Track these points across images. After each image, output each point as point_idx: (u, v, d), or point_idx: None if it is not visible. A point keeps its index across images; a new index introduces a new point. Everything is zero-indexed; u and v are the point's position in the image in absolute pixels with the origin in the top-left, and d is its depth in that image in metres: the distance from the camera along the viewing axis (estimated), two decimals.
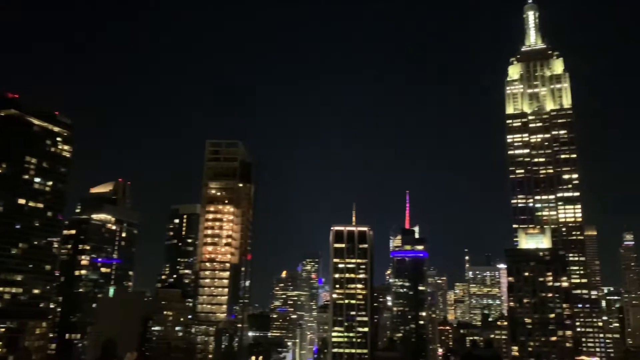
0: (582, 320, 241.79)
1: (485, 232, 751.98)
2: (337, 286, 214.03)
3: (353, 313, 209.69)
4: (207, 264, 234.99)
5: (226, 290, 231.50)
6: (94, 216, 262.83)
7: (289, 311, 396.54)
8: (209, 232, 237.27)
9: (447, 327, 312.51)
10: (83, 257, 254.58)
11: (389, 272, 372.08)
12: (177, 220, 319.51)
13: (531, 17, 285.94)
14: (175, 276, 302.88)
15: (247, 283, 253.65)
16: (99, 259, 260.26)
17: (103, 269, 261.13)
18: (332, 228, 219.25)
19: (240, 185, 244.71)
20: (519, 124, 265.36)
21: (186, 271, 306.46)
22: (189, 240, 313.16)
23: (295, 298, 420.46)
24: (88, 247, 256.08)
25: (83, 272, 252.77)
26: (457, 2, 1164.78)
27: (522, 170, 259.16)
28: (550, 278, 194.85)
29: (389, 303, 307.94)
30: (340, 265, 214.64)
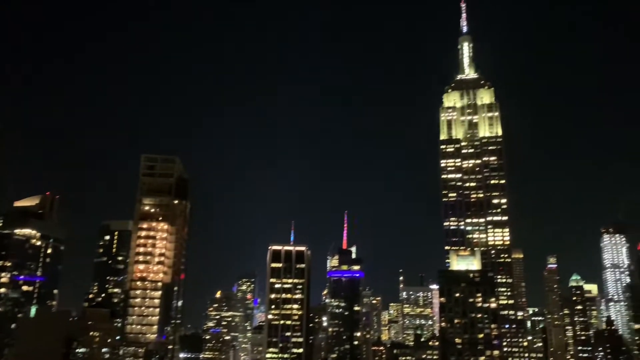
0: (508, 340, 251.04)
1: (421, 253, 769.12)
2: (273, 307, 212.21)
3: (288, 334, 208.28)
4: (138, 283, 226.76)
5: (157, 310, 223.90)
6: (17, 231, 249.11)
7: (222, 332, 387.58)
8: (141, 249, 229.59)
9: (381, 348, 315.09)
10: (3, 274, 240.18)
11: (325, 292, 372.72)
12: (107, 237, 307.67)
13: (466, 48, 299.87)
14: (103, 295, 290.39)
15: (180, 303, 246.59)
16: (21, 277, 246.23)
17: (25, 287, 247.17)
18: (269, 247, 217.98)
19: (176, 202, 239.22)
20: (453, 149, 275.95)
21: (116, 290, 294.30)
22: (120, 258, 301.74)
23: (230, 319, 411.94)
24: (9, 264, 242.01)
25: (2, 290, 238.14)
26: (398, 30, 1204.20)
27: (455, 194, 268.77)
28: (480, 299, 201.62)
29: (325, 323, 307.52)
30: (277, 286, 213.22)
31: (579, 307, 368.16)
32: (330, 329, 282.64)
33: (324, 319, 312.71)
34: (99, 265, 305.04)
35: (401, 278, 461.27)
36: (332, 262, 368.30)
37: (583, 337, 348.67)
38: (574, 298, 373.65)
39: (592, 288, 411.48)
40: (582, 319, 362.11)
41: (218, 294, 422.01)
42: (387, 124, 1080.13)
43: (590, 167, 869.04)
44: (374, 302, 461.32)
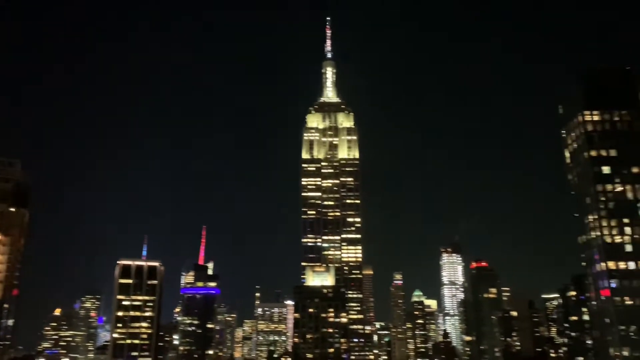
0: (357, 353, 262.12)
1: (280, 270, 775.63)
2: (120, 325, 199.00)
3: (135, 354, 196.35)
4: None
5: None
6: None
7: (60, 353, 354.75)
8: None
9: None
10: None
11: (178, 309, 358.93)
12: None
13: (329, 72, 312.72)
14: None
15: (11, 322, 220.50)
16: None
17: None
18: (118, 262, 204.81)
19: (13, 210, 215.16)
20: (314, 168, 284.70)
21: None
22: None
23: (70, 338, 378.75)
24: None
25: None
26: (265, 53, 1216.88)
27: (314, 212, 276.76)
28: (332, 314, 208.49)
29: (176, 342, 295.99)
30: (125, 303, 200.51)
31: (420, 320, 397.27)
32: (181, 348, 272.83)
33: (175, 337, 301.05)
34: None
35: (258, 294, 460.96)
36: (187, 278, 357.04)
37: (423, 349, 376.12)
38: (416, 312, 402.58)
39: (432, 303, 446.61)
40: (422, 332, 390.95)
41: (57, 312, 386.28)
42: (258, 141, 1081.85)
43: (435, 189, 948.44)
44: (229, 319, 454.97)
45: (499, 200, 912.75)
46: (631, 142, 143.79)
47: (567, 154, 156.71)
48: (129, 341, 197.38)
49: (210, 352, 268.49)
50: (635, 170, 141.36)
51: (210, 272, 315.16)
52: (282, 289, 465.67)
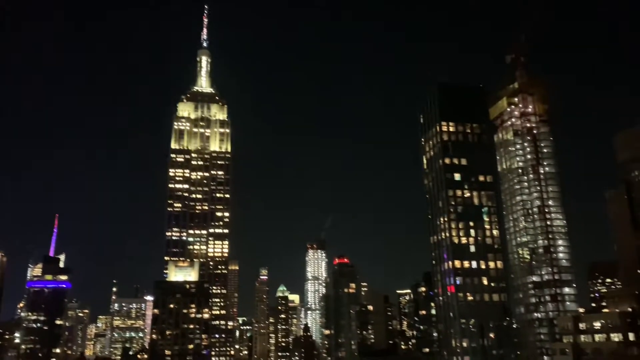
0: (217, 349, 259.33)
1: (140, 264, 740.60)
2: None
3: None
4: None
5: None
6: None
7: None
8: None
9: None
10: None
11: (21, 304, 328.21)
12: None
13: (204, 61, 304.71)
14: None
15: None
16: None
17: None
18: None
19: None
20: (183, 159, 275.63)
21: None
22: None
23: None
24: None
25: None
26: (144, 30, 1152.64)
27: (180, 205, 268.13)
28: (194, 310, 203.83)
29: (17, 340, 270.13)
30: None
31: (283, 315, 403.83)
32: (23, 346, 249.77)
33: (17, 335, 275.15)
34: None
35: (114, 289, 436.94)
36: (35, 271, 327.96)
37: (284, 343, 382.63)
38: (279, 307, 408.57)
39: (295, 298, 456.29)
40: (284, 326, 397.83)
41: None
42: (128, 129, 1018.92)
43: (304, 187, 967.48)
44: (81, 315, 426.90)
45: (365, 200, 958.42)
46: (480, 152, 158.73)
47: (424, 160, 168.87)
48: None
49: (58, 350, 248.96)
50: (481, 178, 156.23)
51: (62, 264, 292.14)
52: (142, 284, 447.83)
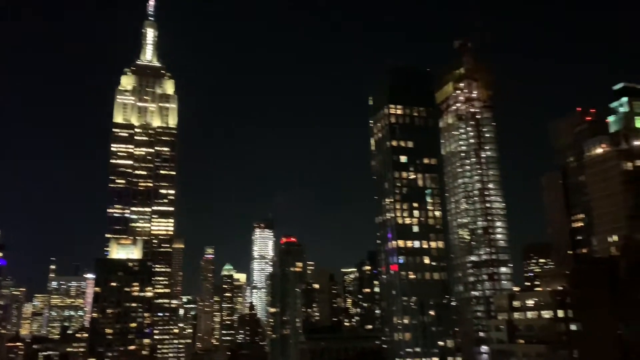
0: (160, 328, 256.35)
1: (80, 241, 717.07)
2: None
3: None
4: None
5: None
6: None
7: None
8: None
9: (18, 344, 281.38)
10: None
11: None
12: None
13: (150, 34, 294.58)
14: None
15: None
16: None
17: None
18: None
19: None
20: (126, 134, 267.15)
21: None
22: None
23: None
24: None
25: None
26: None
27: (123, 181, 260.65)
28: (137, 288, 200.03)
29: None
30: None
31: (228, 294, 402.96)
32: None
33: None
34: None
35: (52, 267, 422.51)
36: None
37: (228, 322, 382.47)
38: (225, 286, 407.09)
39: (241, 277, 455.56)
40: (229, 305, 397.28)
41: None
42: (66, 104, 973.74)
43: (252, 166, 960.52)
44: (16, 293, 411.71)
45: (313, 181, 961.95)
46: (425, 136, 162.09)
47: (372, 142, 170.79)
48: None
49: None
50: (426, 161, 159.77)
51: None
52: (83, 262, 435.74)
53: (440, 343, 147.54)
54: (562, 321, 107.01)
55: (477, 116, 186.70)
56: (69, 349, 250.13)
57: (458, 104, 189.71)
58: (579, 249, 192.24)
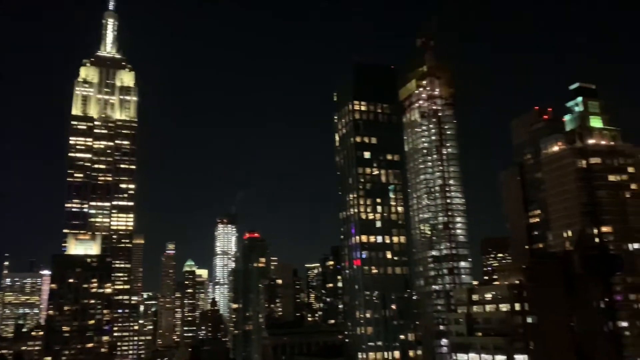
0: (120, 325, 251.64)
1: (37, 237, 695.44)
2: None
3: None
4: None
5: None
6: None
7: None
8: None
9: None
10: None
11: None
12: None
13: (110, 24, 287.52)
14: None
15: None
16: None
17: None
18: None
19: None
20: (85, 127, 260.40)
21: None
22: None
23: None
24: None
25: None
26: None
27: (82, 175, 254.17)
28: (95, 285, 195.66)
29: None
30: None
31: (190, 290, 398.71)
32: None
33: None
34: None
35: (6, 263, 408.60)
36: None
37: (190, 318, 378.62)
38: (186, 282, 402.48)
39: (204, 273, 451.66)
40: (191, 301, 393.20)
41: None
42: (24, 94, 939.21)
43: (214, 160, 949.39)
44: None
45: (277, 177, 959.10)
46: (389, 132, 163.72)
47: (337, 138, 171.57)
48: None
49: None
50: (389, 157, 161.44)
51: None
52: (38, 258, 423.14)
53: (402, 337, 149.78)
54: (519, 314, 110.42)
55: (439, 113, 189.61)
56: (23, 348, 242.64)
57: (421, 101, 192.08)
58: (535, 243, 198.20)
